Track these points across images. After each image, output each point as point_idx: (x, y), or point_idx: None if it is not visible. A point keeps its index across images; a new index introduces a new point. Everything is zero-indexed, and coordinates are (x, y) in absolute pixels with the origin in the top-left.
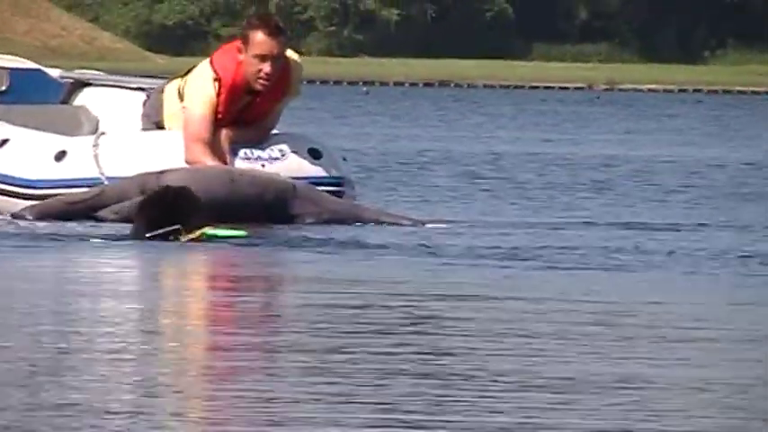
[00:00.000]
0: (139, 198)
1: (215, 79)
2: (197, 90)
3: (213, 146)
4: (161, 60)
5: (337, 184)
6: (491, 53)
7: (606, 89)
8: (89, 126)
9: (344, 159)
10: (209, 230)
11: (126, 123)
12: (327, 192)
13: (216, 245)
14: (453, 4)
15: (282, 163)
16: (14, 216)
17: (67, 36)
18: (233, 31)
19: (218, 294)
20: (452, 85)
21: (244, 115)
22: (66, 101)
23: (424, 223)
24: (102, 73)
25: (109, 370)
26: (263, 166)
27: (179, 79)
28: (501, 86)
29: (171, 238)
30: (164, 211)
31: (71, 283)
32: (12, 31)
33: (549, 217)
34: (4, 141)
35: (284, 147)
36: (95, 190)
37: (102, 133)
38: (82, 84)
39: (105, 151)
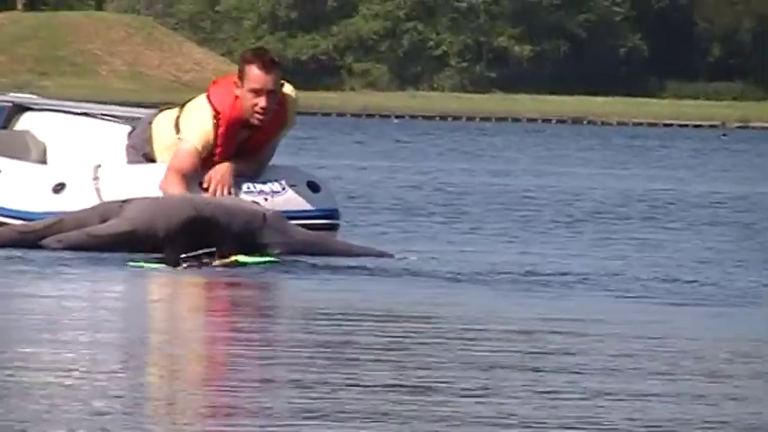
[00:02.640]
0: (168, 227)
1: (214, 114)
2: (195, 123)
3: (191, 182)
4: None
5: (335, 217)
6: (624, 90)
7: (740, 127)
8: (36, 152)
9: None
10: (241, 258)
11: (76, 151)
12: (325, 224)
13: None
14: (587, 40)
15: (283, 196)
16: None
17: (200, 70)
18: (366, 66)
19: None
20: (585, 122)
21: (243, 148)
22: (5, 125)
23: (392, 255)
24: (36, 97)
25: None
26: (265, 199)
27: (169, 111)
28: (634, 124)
29: (205, 260)
30: (193, 239)
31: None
32: (145, 65)
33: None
34: None
35: (284, 180)
36: (53, 219)
37: (99, 165)
38: (21, 108)
39: (107, 184)
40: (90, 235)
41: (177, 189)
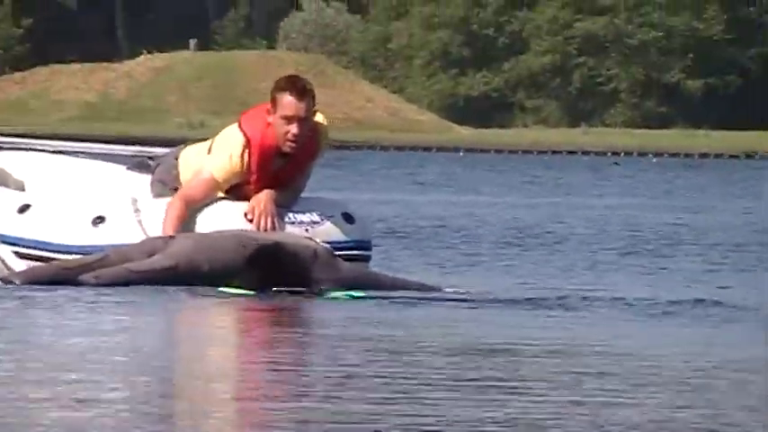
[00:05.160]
0: (245, 256)
1: (245, 142)
2: (221, 152)
3: (194, 213)
4: (465, 132)
5: (368, 248)
6: None
7: None
8: (15, 189)
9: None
10: (329, 294)
11: (55, 186)
12: (359, 255)
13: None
14: (759, 74)
15: (321, 227)
16: (2, 280)
17: (372, 108)
18: (537, 102)
19: None
20: (757, 156)
21: (278, 178)
22: None
23: (440, 289)
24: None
25: None
26: (306, 230)
27: (198, 144)
28: None
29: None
30: (257, 274)
31: None
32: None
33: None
34: (26, 206)
35: (321, 211)
36: (98, 255)
37: (136, 199)
38: None
39: (149, 216)
40: (131, 270)
41: (175, 215)
